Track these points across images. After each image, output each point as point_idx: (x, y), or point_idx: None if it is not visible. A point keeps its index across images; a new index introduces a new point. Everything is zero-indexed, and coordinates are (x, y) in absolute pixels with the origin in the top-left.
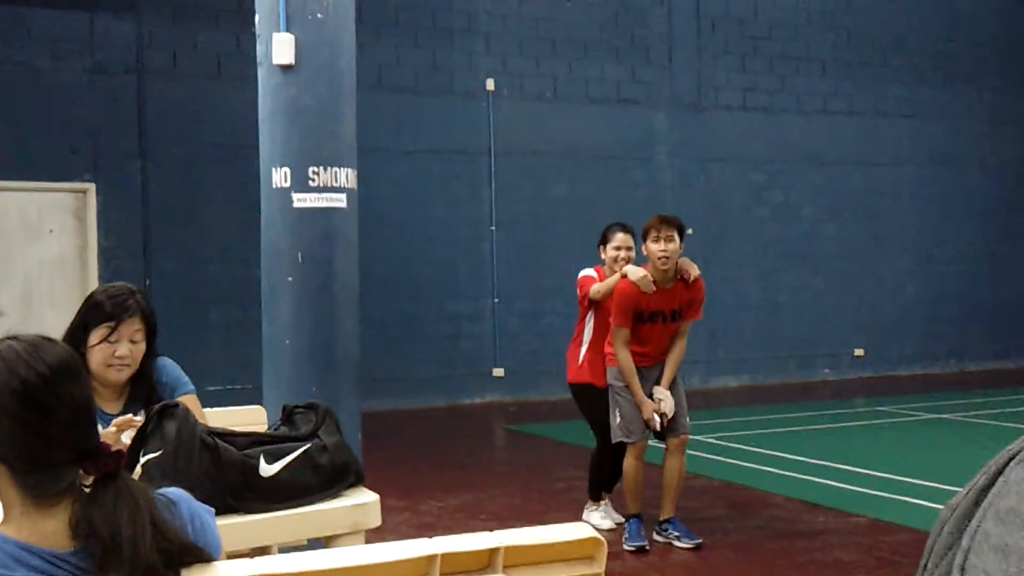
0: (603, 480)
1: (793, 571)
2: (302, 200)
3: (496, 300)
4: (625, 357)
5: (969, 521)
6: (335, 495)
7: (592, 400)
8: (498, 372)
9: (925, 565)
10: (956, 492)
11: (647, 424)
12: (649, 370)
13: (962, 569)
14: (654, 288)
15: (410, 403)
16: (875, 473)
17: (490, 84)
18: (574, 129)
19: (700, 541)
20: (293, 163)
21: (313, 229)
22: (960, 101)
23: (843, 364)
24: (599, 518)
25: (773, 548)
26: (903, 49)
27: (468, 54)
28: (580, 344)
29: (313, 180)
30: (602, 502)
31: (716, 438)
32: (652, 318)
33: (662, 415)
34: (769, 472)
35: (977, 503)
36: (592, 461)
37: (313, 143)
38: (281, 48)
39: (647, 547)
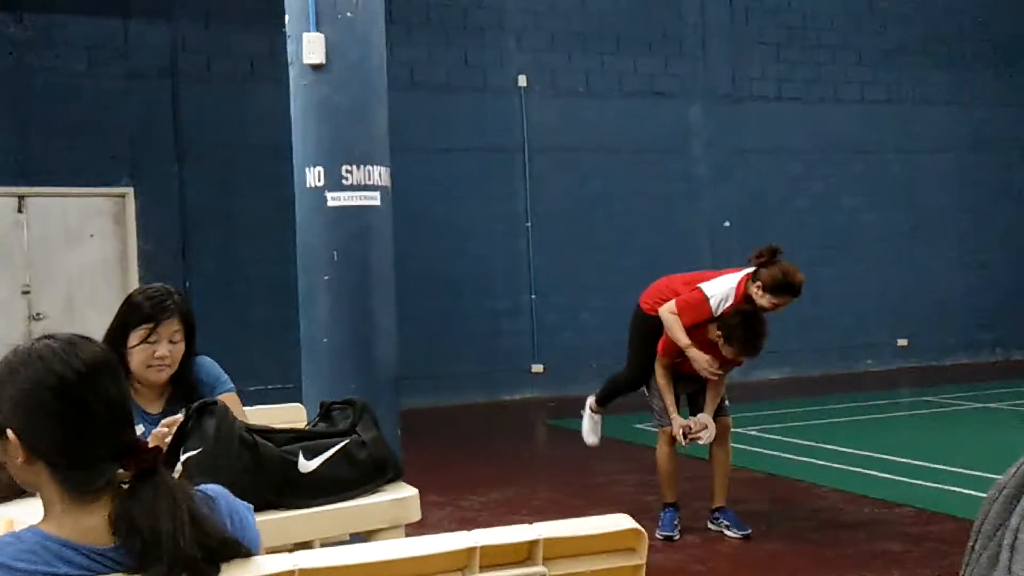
0: (615, 393)
1: (843, 561)
2: (336, 199)
3: (534, 296)
4: (664, 379)
5: (1018, 501)
6: (374, 490)
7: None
8: (537, 368)
9: (973, 546)
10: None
11: (673, 438)
12: (692, 377)
13: (1012, 548)
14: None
15: (450, 400)
16: (920, 463)
17: (523, 80)
18: (608, 123)
19: (749, 531)
20: (326, 162)
21: (347, 227)
22: (1000, 86)
23: (886, 354)
24: (588, 427)
25: (820, 539)
26: (940, 35)
27: (500, 51)
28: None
29: (346, 179)
30: (601, 414)
31: (759, 430)
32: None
33: (692, 438)
34: (813, 464)
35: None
36: (617, 375)
37: (345, 141)
38: (312, 47)
39: (675, 537)
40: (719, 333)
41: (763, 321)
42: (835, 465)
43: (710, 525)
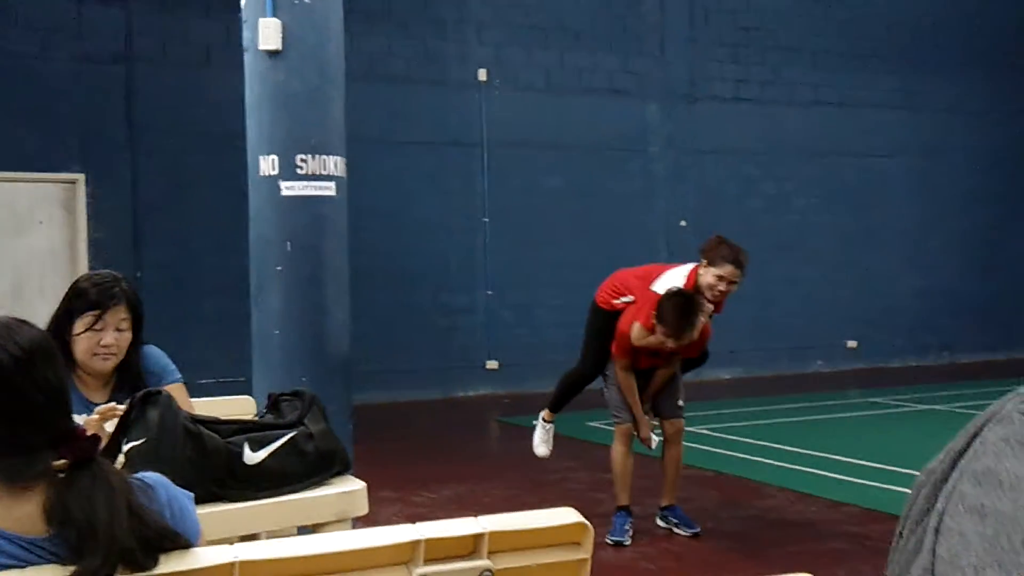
0: (568, 393)
1: (787, 560)
2: (290, 188)
3: (489, 292)
4: (626, 380)
5: (944, 485)
6: (321, 483)
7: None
8: (492, 364)
9: (901, 532)
10: None
11: (642, 441)
12: (646, 371)
13: (936, 531)
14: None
15: (404, 396)
16: (867, 463)
17: (482, 74)
18: (567, 120)
19: (698, 529)
20: (281, 150)
21: (301, 218)
22: (951, 93)
23: (836, 356)
24: (540, 437)
25: (767, 538)
26: (895, 40)
27: (460, 44)
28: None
29: (301, 168)
30: (553, 423)
31: (709, 429)
32: (653, 354)
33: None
34: (761, 463)
35: (954, 466)
36: (569, 373)
37: (301, 130)
38: (268, 33)
39: (625, 543)
40: (654, 313)
41: (694, 304)
42: (783, 464)
43: (659, 522)
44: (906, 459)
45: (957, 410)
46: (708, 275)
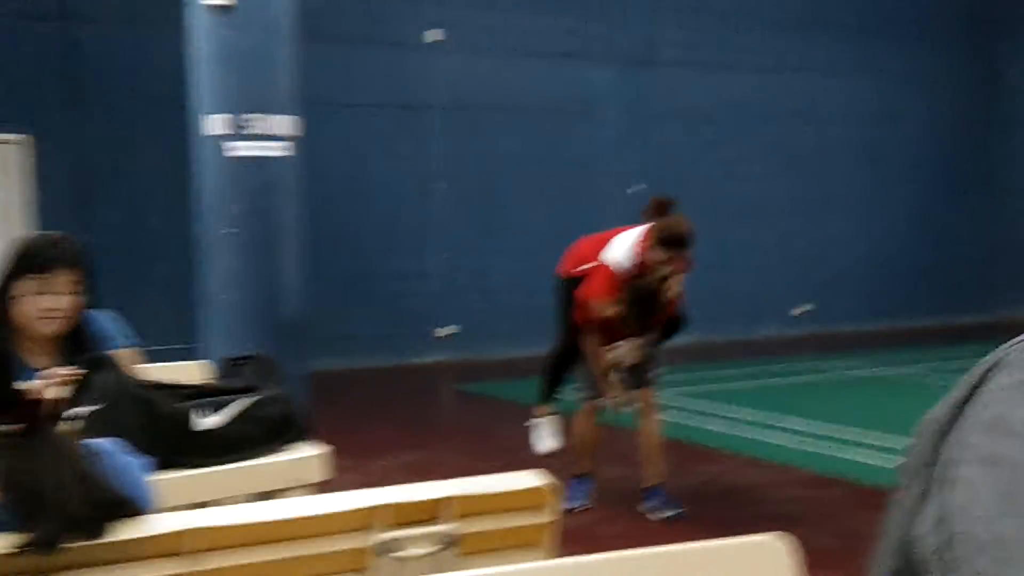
0: (555, 379)
1: (740, 526)
2: (237, 148)
3: (444, 255)
4: (592, 346)
5: (946, 435)
6: (278, 448)
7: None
8: (446, 331)
9: (901, 484)
10: (895, 445)
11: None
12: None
13: (947, 482)
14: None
15: (356, 363)
16: (818, 428)
17: (435, 35)
18: (522, 83)
19: (680, 510)
20: (227, 109)
21: (250, 180)
22: (906, 61)
23: (790, 320)
24: (541, 434)
25: (720, 503)
26: (852, 6)
27: (412, 5)
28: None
29: (250, 128)
30: (550, 415)
31: (662, 395)
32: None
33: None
34: (715, 428)
35: (954, 416)
36: (550, 355)
37: (249, 89)
38: None
39: (575, 508)
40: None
41: (652, 300)
42: (736, 430)
43: (644, 506)
44: (857, 424)
45: (904, 375)
46: (655, 254)
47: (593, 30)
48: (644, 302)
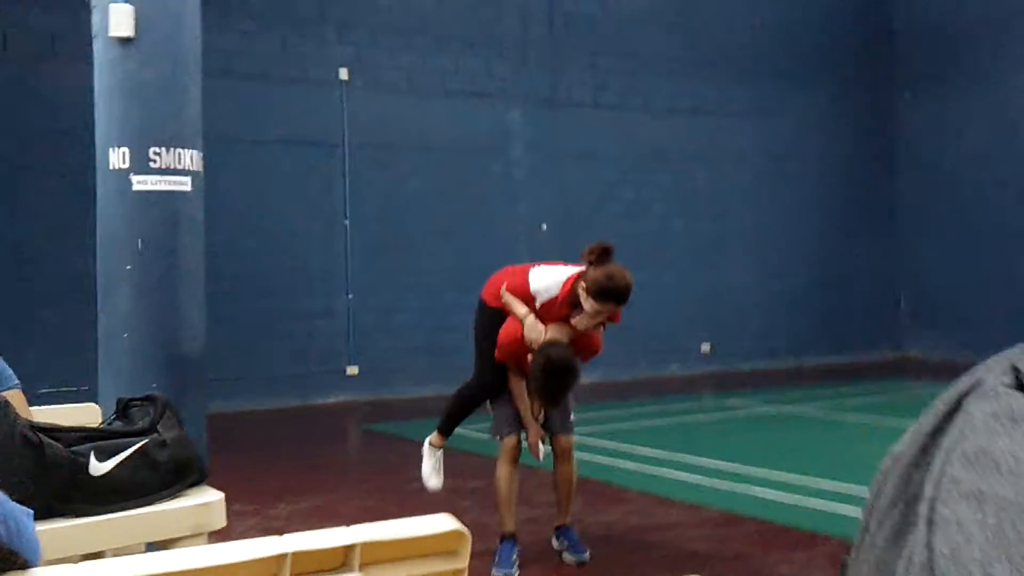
0: (462, 411)
1: (650, 566)
2: (142, 183)
3: (350, 296)
4: (516, 383)
5: (919, 469)
6: (175, 495)
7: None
8: (352, 370)
9: (867, 527)
10: (800, 483)
11: (530, 448)
12: None
13: (929, 521)
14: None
15: (260, 404)
16: (723, 466)
17: (344, 74)
18: (429, 122)
19: (586, 558)
20: (132, 143)
21: (154, 214)
22: (800, 104)
23: (691, 360)
24: (430, 467)
25: (631, 544)
26: (746, 51)
27: (321, 42)
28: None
29: (154, 161)
30: (442, 448)
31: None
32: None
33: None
34: (623, 467)
35: (925, 449)
36: (465, 387)
37: (154, 122)
38: (119, 19)
39: (513, 574)
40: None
41: (562, 373)
42: (644, 468)
43: (553, 543)
44: (760, 461)
45: (806, 411)
46: (588, 304)
47: (500, 71)
48: (556, 375)
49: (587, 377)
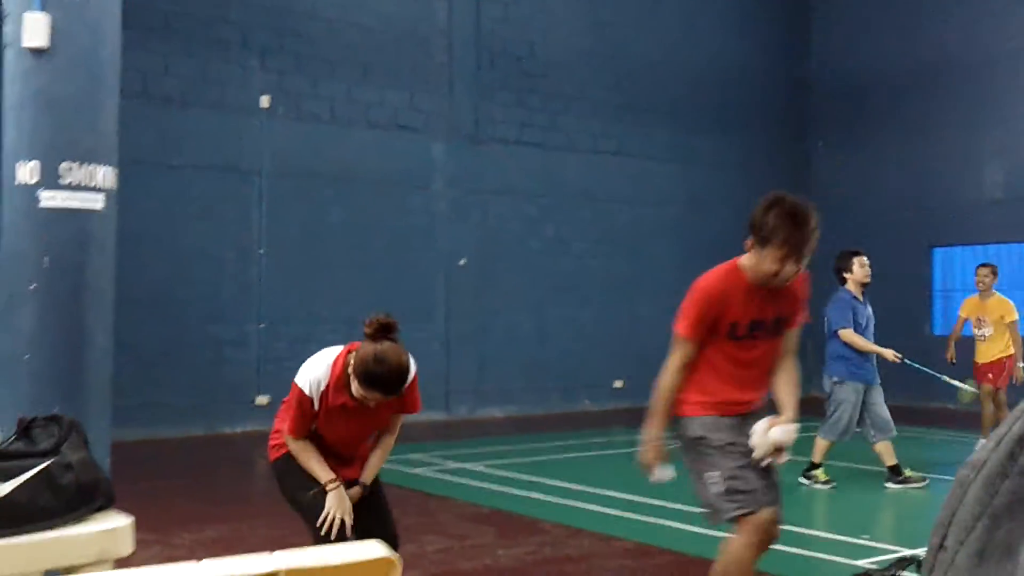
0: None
1: None
2: (51, 199)
3: (261, 325)
4: (671, 383)
5: (1006, 479)
6: (80, 519)
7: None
8: (262, 400)
9: (942, 544)
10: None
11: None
12: (746, 420)
13: None
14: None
15: (166, 432)
16: (635, 498)
17: (265, 101)
18: (351, 153)
19: None
20: (43, 157)
21: (63, 232)
22: (716, 149)
23: (603, 395)
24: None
25: (543, 573)
26: (667, 97)
27: (242, 68)
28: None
29: (65, 177)
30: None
31: (485, 466)
32: (753, 331)
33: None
34: (536, 499)
35: (1012, 456)
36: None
37: (67, 136)
38: (34, 29)
39: None
40: None
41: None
42: (557, 500)
43: None
44: (671, 495)
45: None
46: (353, 386)
47: (425, 104)
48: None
49: (502, 411)
